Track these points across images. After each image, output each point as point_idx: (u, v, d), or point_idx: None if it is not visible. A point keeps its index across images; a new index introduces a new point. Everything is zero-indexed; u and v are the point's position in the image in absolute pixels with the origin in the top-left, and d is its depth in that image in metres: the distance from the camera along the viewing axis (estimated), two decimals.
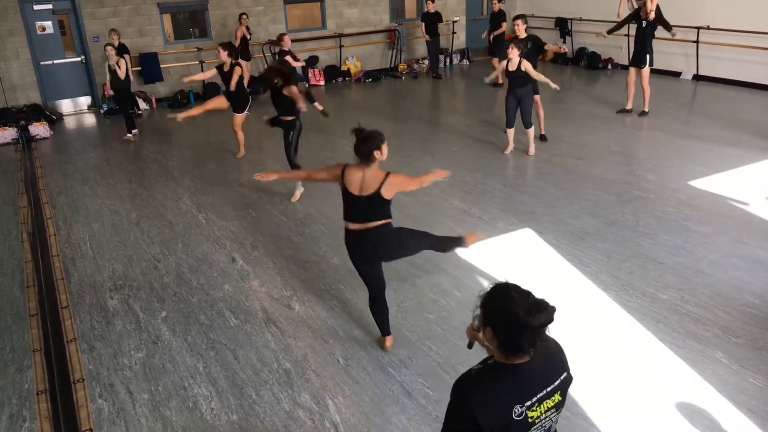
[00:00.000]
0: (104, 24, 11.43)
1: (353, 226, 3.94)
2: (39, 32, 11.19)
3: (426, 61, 14.47)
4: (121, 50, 9.94)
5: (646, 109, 9.53)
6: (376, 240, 3.92)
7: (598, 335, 4.31)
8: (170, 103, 12.08)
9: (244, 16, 12.05)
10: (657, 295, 4.72)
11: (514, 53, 7.43)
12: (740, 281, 4.85)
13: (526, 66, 7.47)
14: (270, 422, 3.62)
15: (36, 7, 11.06)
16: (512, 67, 7.53)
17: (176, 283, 5.25)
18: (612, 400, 3.69)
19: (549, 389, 1.93)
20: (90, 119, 11.55)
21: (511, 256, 5.52)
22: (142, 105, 11.90)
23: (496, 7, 12.41)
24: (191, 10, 12.53)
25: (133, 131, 9.77)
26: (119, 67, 9.27)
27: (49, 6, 11.16)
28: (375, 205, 3.82)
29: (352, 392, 3.84)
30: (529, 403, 1.88)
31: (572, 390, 3.74)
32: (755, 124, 8.67)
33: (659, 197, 6.51)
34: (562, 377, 1.98)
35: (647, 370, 3.92)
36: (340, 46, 13.71)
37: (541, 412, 1.91)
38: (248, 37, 12.16)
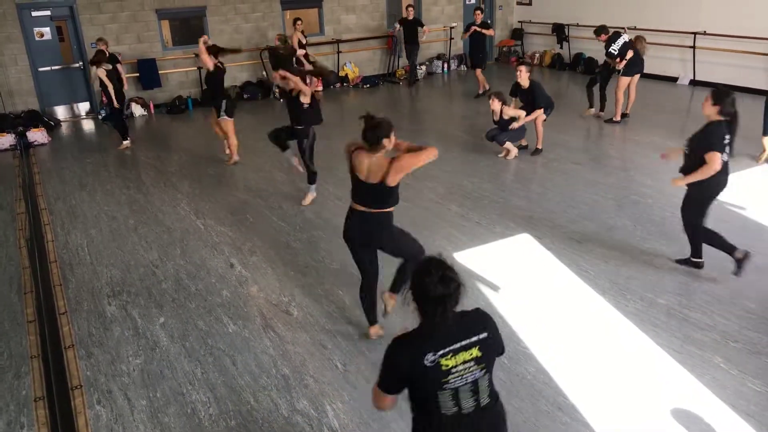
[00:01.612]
0: (102, 30, 11.43)
1: (359, 207, 4.03)
2: (37, 38, 11.19)
3: (423, 67, 14.51)
4: (111, 60, 9.68)
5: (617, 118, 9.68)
6: (375, 225, 4.01)
7: (596, 340, 4.31)
8: (168, 109, 12.09)
9: (299, 22, 11.96)
10: (655, 300, 4.73)
11: (495, 104, 7.96)
12: (738, 286, 4.86)
13: (507, 111, 7.97)
14: (268, 428, 3.61)
15: (34, 14, 11.06)
16: (496, 117, 8.06)
17: (174, 289, 5.24)
18: (610, 404, 3.69)
19: (464, 343, 2.24)
20: (88, 125, 11.55)
21: (509, 260, 5.52)
22: (140, 111, 11.91)
23: (479, 18, 12.05)
24: (189, 16, 12.54)
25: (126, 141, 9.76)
26: (97, 78, 9.29)
27: (48, 12, 11.17)
28: (380, 192, 3.90)
29: (351, 398, 3.83)
30: (441, 352, 2.20)
31: (571, 394, 3.76)
32: (752, 129, 8.69)
33: (657, 202, 6.52)
34: (480, 336, 2.28)
35: (645, 375, 3.92)
36: (338, 52, 13.75)
37: (456, 362, 2.22)
38: (303, 42, 11.99)
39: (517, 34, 15.86)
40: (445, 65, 15.07)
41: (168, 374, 4.13)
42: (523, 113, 7.95)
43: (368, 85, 13.87)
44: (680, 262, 5.24)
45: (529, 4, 15.56)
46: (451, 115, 11.07)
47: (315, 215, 6.69)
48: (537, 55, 15.35)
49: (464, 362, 2.24)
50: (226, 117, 8.04)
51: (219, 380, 4.04)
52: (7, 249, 6.21)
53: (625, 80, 9.35)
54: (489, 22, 12.95)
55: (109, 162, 9.10)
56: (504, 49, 15.85)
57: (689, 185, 4.89)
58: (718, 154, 4.59)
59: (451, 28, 15.02)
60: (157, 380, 4.07)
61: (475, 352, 2.25)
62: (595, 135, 9.13)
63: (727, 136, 4.68)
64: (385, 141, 3.78)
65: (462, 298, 2.23)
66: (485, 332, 2.31)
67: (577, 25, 14.11)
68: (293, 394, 3.88)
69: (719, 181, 4.76)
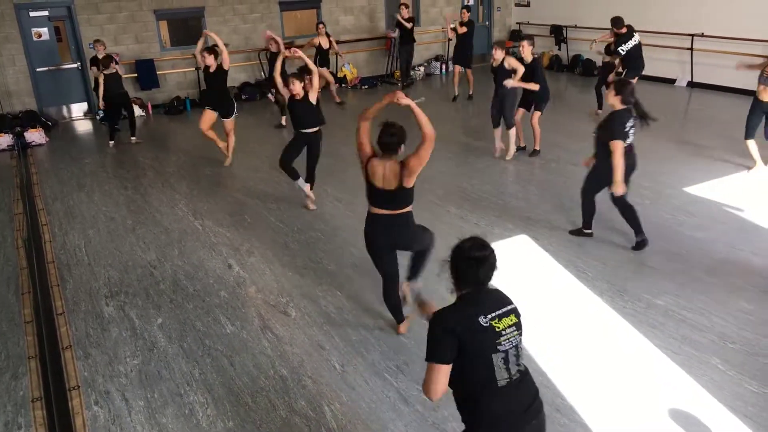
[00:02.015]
0: (100, 30, 11.43)
1: (382, 211, 4.06)
2: (35, 39, 11.17)
3: (421, 68, 14.51)
4: (107, 61, 9.53)
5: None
6: (402, 225, 4.08)
7: (594, 341, 4.32)
8: (167, 110, 12.08)
9: (321, 25, 11.78)
10: (653, 301, 4.73)
11: (498, 53, 7.85)
12: (735, 287, 4.87)
13: (510, 61, 7.73)
14: (266, 429, 3.61)
15: (32, 14, 11.05)
16: (495, 64, 7.90)
17: (172, 290, 5.23)
18: (608, 406, 3.69)
19: (504, 310, 2.43)
20: (86, 126, 11.54)
21: (508, 261, 5.51)
22: (138, 112, 11.89)
23: (465, 16, 11.72)
24: (187, 16, 12.53)
25: (111, 143, 9.79)
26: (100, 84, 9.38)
27: (45, 13, 11.15)
28: (399, 196, 3.99)
29: (349, 399, 3.83)
30: (491, 315, 2.37)
31: (569, 395, 3.76)
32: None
33: (654, 203, 6.54)
34: (510, 306, 2.48)
35: (643, 376, 3.93)
36: (337, 53, 13.73)
37: (504, 326, 2.39)
38: (325, 47, 11.68)
39: (516, 35, 15.86)
40: (443, 66, 15.08)
41: (166, 375, 4.12)
42: (522, 68, 7.70)
43: (366, 86, 13.87)
44: (572, 233, 5.95)
45: (527, 5, 15.59)
46: (448, 117, 11.06)
47: (313, 216, 6.69)
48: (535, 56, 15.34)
49: (508, 326, 2.41)
50: (231, 118, 8.11)
51: (217, 381, 4.04)
52: (4, 249, 6.20)
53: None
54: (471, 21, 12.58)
55: (107, 162, 9.09)
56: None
57: (602, 167, 5.41)
58: (620, 143, 5.16)
59: (451, 28, 15.01)
60: (155, 381, 4.07)
61: (513, 318, 2.44)
62: (592, 136, 9.11)
63: (630, 123, 5.24)
64: (402, 147, 3.93)
65: (495, 268, 2.48)
66: (512, 303, 2.50)
67: (575, 26, 14.13)
68: (291, 395, 3.88)
69: (626, 164, 5.27)
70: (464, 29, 11.56)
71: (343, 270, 5.47)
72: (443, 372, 2.34)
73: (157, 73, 12.05)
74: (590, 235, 5.86)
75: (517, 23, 15.89)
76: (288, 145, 6.74)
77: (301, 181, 6.77)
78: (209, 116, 8.24)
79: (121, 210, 7.06)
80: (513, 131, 8.03)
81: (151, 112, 12.10)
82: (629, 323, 4.48)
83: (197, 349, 4.39)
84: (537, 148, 8.25)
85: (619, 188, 5.28)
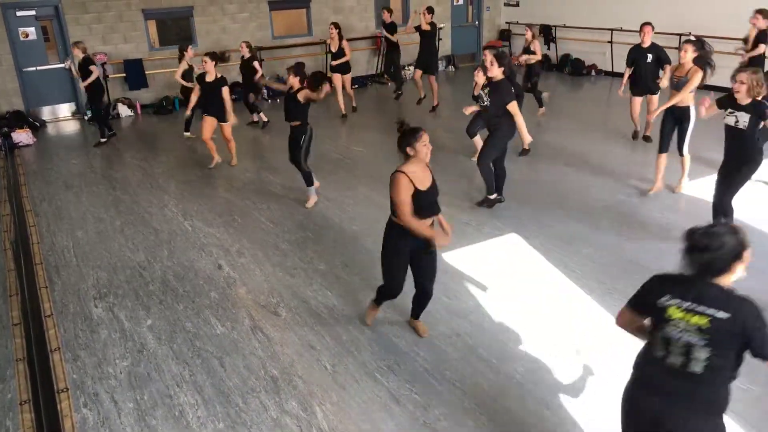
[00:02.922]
0: (88, 30, 11.36)
1: (429, 221, 3.92)
2: (22, 38, 11.09)
3: (411, 68, 14.48)
4: (86, 63, 9.33)
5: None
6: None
7: (583, 339, 4.33)
8: (155, 110, 12.02)
9: (332, 26, 11.23)
10: None
11: (480, 77, 7.26)
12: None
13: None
14: (257, 430, 3.60)
15: (19, 14, 10.95)
16: (476, 92, 7.40)
17: (162, 291, 5.21)
18: (598, 404, 3.71)
19: (698, 308, 2.37)
20: (74, 126, 11.46)
21: (498, 260, 5.54)
22: (127, 112, 11.83)
23: (428, 18, 11.04)
24: (176, 16, 12.48)
25: (102, 139, 9.80)
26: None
27: (33, 12, 11.06)
28: (435, 196, 3.95)
29: (340, 399, 3.83)
30: (675, 301, 2.43)
31: (560, 393, 3.77)
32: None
33: (644, 202, 6.58)
34: (717, 314, 2.33)
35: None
36: (327, 53, 13.72)
37: (681, 318, 2.40)
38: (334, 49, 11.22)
39: (505, 35, 15.94)
40: None
41: (155, 376, 4.10)
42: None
43: (357, 86, 13.84)
44: (479, 203, 6.51)
45: (517, 5, 15.64)
46: (436, 117, 11.09)
47: (304, 216, 6.68)
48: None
49: (687, 322, 2.38)
50: (229, 122, 8.03)
51: (207, 382, 4.02)
52: None
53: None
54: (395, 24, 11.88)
55: (95, 163, 9.03)
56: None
57: (491, 132, 6.25)
58: (515, 104, 5.92)
59: (440, 29, 15.04)
60: (145, 382, 4.04)
61: (703, 322, 2.34)
62: (581, 135, 9.17)
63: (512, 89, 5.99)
64: (407, 149, 3.79)
65: (722, 266, 2.37)
66: (727, 313, 2.33)
67: (564, 26, 14.20)
68: (282, 396, 3.87)
69: (512, 126, 6.12)
70: (428, 28, 10.99)
71: (334, 270, 5.46)
72: (627, 314, 2.76)
73: (146, 73, 11.98)
74: (500, 200, 6.53)
75: (506, 23, 15.94)
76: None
77: (312, 189, 6.94)
78: (210, 123, 8.03)
79: (110, 211, 7.02)
80: (476, 138, 8.06)
81: (140, 112, 12.03)
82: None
83: (187, 351, 4.37)
84: (526, 147, 8.25)
85: (527, 138, 6.31)
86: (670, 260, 5.42)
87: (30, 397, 3.97)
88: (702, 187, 6.86)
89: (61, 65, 10.86)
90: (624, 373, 3.94)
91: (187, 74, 9.71)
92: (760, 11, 8.89)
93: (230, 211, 6.92)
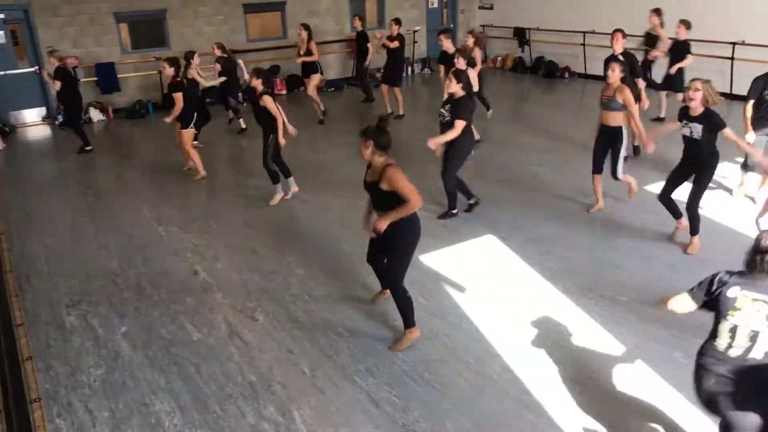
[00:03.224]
0: (59, 34, 11.17)
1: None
2: None
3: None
4: (61, 73, 9.09)
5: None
6: None
7: (560, 338, 4.38)
8: (128, 114, 11.86)
9: (301, 27, 10.84)
10: (616, 298, 4.83)
11: (461, 62, 7.54)
12: (694, 282, 4.97)
13: (477, 53, 8.08)
14: None
15: None
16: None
17: (136, 298, 5.13)
18: (575, 401, 3.75)
19: (766, 299, 2.68)
20: (45, 131, 11.24)
21: (475, 262, 5.57)
22: (99, 116, 11.66)
23: (395, 31, 10.78)
24: (149, 19, 12.32)
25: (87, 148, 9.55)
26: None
27: (1, 16, 10.84)
28: None
29: (318, 403, 3.81)
30: (743, 292, 2.71)
31: (536, 392, 3.81)
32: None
33: (616, 202, 6.67)
34: None
35: (608, 372, 4.00)
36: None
37: (748, 307, 2.70)
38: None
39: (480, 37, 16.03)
40: (409, 68, 15.15)
41: (131, 384, 4.04)
42: (476, 87, 7.76)
43: (333, 89, 13.85)
44: (441, 217, 6.44)
45: (491, 8, 15.77)
46: (411, 118, 11.11)
47: (281, 220, 6.65)
48: (499, 58, 15.57)
49: (756, 311, 2.68)
50: (187, 129, 7.80)
51: (183, 389, 3.97)
52: None
53: None
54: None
55: (67, 168, 8.88)
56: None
57: (449, 146, 6.16)
58: (463, 122, 5.96)
59: (415, 31, 15.12)
60: (120, 391, 3.98)
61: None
62: (558, 137, 9.27)
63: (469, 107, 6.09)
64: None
65: None
66: None
67: (538, 29, 14.35)
68: (260, 401, 3.84)
69: (471, 140, 6.31)
70: (395, 43, 10.66)
71: (312, 273, 5.44)
72: (687, 299, 2.97)
73: (118, 76, 11.82)
74: (477, 202, 6.60)
75: (481, 26, 16.05)
76: None
77: (290, 180, 7.15)
78: (187, 133, 7.91)
79: (82, 217, 6.90)
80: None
81: (112, 116, 11.86)
82: (594, 320, 4.56)
83: (163, 358, 4.31)
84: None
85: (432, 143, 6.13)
86: (642, 259, 5.54)
87: (1, 407, 3.88)
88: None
89: (32, 69, 10.67)
90: (601, 373, 4.00)
91: (195, 81, 9.19)
92: (654, 10, 9.23)
93: (206, 215, 6.85)
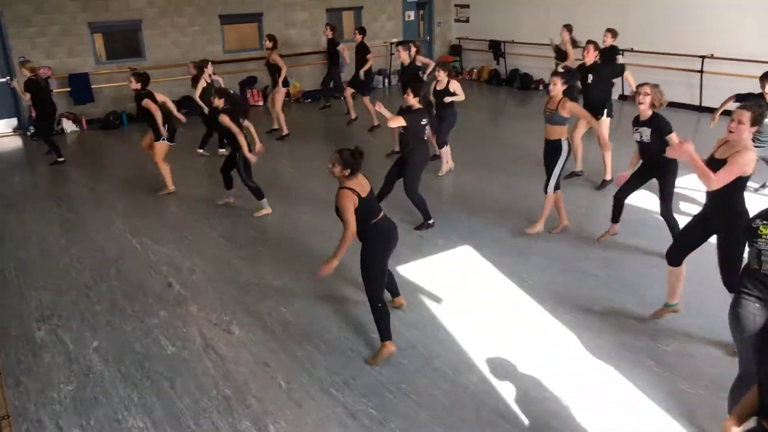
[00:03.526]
0: (31, 44, 11.02)
1: (382, 215, 4.24)
2: None
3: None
4: (31, 85, 8.97)
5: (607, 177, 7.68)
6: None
7: (535, 348, 4.40)
8: (102, 125, 11.72)
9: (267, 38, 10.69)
10: (590, 307, 4.88)
11: (441, 75, 7.77)
12: (665, 290, 5.06)
13: (455, 86, 7.76)
14: None
15: None
16: (440, 87, 7.80)
17: (109, 312, 5.05)
18: (550, 410, 3.76)
19: None
20: (16, 142, 11.04)
21: (452, 272, 5.59)
22: (72, 127, 11.51)
23: (359, 38, 10.82)
24: (124, 29, 12.22)
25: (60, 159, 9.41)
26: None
27: None
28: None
29: (295, 416, 3.78)
30: (765, 221, 3.03)
31: (513, 402, 3.82)
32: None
33: (590, 211, 6.76)
34: None
35: (582, 381, 4.03)
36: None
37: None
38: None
39: (456, 50, 16.21)
40: (386, 80, 15.23)
41: (102, 400, 3.96)
42: (462, 95, 7.81)
43: (310, 100, 13.86)
44: (417, 228, 6.47)
45: (467, 21, 15.94)
46: (387, 130, 11.14)
47: (258, 231, 6.60)
48: (475, 70, 15.73)
49: None
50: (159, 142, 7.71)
51: (157, 404, 3.91)
52: None
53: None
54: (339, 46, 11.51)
55: (39, 180, 8.74)
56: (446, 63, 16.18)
57: (406, 160, 6.24)
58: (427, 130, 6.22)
59: (392, 43, 15.21)
60: (91, 407, 3.90)
61: None
62: (531, 147, 9.37)
63: (425, 119, 6.16)
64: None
65: None
66: None
67: (512, 41, 14.54)
68: (235, 416, 3.79)
69: (427, 151, 6.46)
70: (370, 61, 10.66)
71: (288, 285, 5.41)
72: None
73: (93, 87, 11.68)
74: (432, 224, 6.50)
75: (457, 38, 16.22)
76: None
77: (229, 192, 7.22)
78: (151, 142, 7.84)
79: (54, 229, 6.79)
80: (447, 149, 8.19)
81: (85, 127, 11.71)
82: (568, 329, 4.60)
83: (136, 372, 4.24)
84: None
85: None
86: (616, 267, 5.60)
87: None
88: (640, 197, 7.09)
89: (2, 80, 10.50)
90: (576, 381, 4.03)
91: (207, 92, 9.06)
92: (566, 26, 9.56)
93: (181, 227, 6.78)
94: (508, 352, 4.37)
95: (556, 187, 6.10)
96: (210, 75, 9.38)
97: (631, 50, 12.00)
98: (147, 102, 7.39)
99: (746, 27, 10.36)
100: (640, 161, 5.57)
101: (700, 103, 11.18)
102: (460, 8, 16.12)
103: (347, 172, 4.04)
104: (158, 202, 7.59)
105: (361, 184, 4.12)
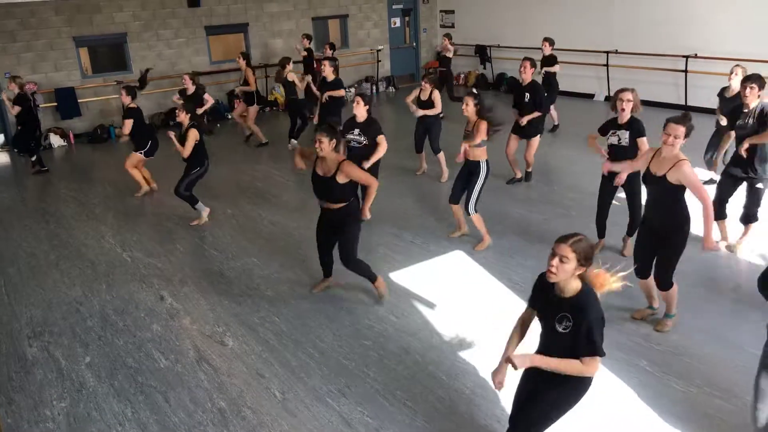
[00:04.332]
0: (17, 59, 10.97)
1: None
2: None
3: (352, 90, 14.60)
4: (21, 100, 9.07)
5: None
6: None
7: (529, 350, 4.41)
8: (90, 139, 11.68)
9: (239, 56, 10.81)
10: None
11: (427, 85, 7.98)
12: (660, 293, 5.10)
13: (436, 95, 7.92)
14: None
15: None
16: (424, 97, 7.99)
17: (100, 326, 5.02)
18: None
19: None
20: (2, 158, 10.97)
21: (444, 277, 5.60)
22: (59, 142, 11.45)
23: (306, 44, 11.41)
24: (109, 43, 12.20)
25: (44, 168, 9.61)
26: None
27: None
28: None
29: (291, 426, 3.77)
30: None
31: (508, 407, 3.81)
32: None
33: (580, 214, 6.79)
34: None
35: None
36: (266, 76, 13.68)
37: None
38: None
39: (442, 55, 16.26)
40: (374, 87, 15.27)
41: (96, 416, 3.94)
42: (439, 107, 8.02)
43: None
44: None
45: (452, 26, 16.02)
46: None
47: (249, 242, 6.59)
48: (462, 75, 15.80)
49: None
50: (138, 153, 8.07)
51: (151, 419, 3.88)
52: None
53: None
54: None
55: (27, 196, 8.68)
56: (430, 70, 16.21)
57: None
58: (384, 136, 6.33)
59: (378, 50, 15.27)
60: (85, 423, 3.87)
61: None
62: (520, 150, 9.41)
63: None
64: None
65: None
66: None
67: (498, 46, 14.64)
68: (230, 428, 3.77)
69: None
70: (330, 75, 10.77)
71: (281, 295, 5.40)
72: None
73: (79, 101, 11.64)
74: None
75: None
76: None
77: (200, 205, 7.14)
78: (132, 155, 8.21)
79: (43, 245, 6.74)
80: (441, 155, 8.22)
81: (73, 141, 11.65)
82: None
83: (129, 387, 4.21)
84: (529, 170, 8.15)
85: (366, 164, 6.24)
86: (608, 269, 5.59)
87: None
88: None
89: None
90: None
91: (291, 88, 9.99)
92: (546, 40, 9.83)
93: (172, 239, 6.76)
94: (500, 353, 4.37)
95: (455, 201, 6.13)
96: (290, 71, 9.89)
97: (616, 52, 12.13)
98: (127, 122, 7.82)
99: (728, 27, 10.49)
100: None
101: (686, 102, 11.29)
102: (446, 14, 16.22)
103: (334, 143, 4.62)
104: (149, 215, 7.56)
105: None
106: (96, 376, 4.35)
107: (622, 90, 5.32)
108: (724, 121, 6.40)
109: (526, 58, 7.72)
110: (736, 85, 6.51)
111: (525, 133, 7.74)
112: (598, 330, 2.81)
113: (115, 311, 5.25)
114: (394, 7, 15.77)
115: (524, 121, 7.55)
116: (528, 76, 7.56)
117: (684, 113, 4.29)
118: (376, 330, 4.77)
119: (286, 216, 7.23)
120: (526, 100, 7.55)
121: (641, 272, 4.52)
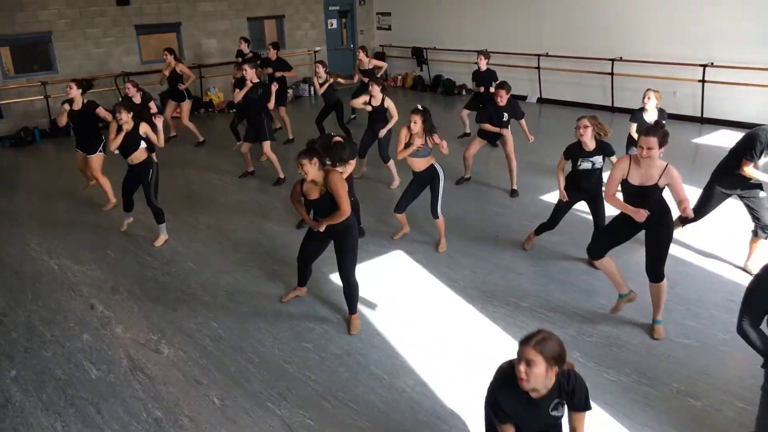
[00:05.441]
0: None
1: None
2: None
3: (290, 91, 14.47)
4: None
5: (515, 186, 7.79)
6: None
7: (469, 347, 4.50)
8: (13, 142, 11.10)
9: (166, 52, 10.35)
10: (519, 304, 5.03)
11: (376, 90, 7.66)
12: (590, 285, 5.30)
13: (389, 103, 7.74)
14: None
15: None
16: (375, 103, 7.73)
17: (26, 338, 4.78)
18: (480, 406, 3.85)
19: None
20: None
21: (385, 277, 5.63)
22: None
23: (273, 55, 11.01)
24: (33, 42, 11.65)
25: None
26: None
27: None
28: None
29: None
30: None
31: (449, 402, 3.87)
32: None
33: (516, 212, 6.97)
34: None
35: None
36: (201, 77, 13.39)
37: None
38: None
39: (380, 57, 16.31)
40: (312, 88, 15.19)
41: None
42: (396, 117, 7.86)
43: (234, 110, 13.59)
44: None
45: (389, 29, 16.15)
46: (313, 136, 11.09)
47: (184, 246, 6.42)
48: (399, 77, 15.92)
49: None
50: (95, 155, 7.41)
51: None
52: None
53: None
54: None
55: None
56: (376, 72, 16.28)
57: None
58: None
59: (315, 51, 15.21)
60: None
61: None
62: (454, 153, 9.57)
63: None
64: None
65: None
66: None
67: (435, 48, 14.85)
68: None
69: None
70: (293, 73, 11.09)
71: (219, 300, 5.30)
72: None
73: (1, 103, 11.06)
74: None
75: (380, 45, 16.38)
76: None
77: (128, 215, 6.82)
78: (78, 156, 7.55)
79: None
80: (391, 163, 8.09)
81: None
82: (499, 327, 4.72)
83: (58, 400, 4.03)
84: (514, 187, 7.92)
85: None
86: (541, 265, 5.79)
87: None
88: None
89: None
90: None
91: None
92: (481, 52, 9.47)
93: (103, 246, 6.51)
94: (443, 353, 4.44)
95: (400, 210, 6.19)
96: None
97: (547, 55, 12.51)
98: (100, 110, 7.25)
99: (651, 31, 10.99)
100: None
101: (612, 103, 11.76)
102: (382, 16, 16.32)
103: (316, 161, 4.40)
104: (78, 221, 7.25)
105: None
106: (22, 390, 4.14)
107: (580, 117, 5.35)
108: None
109: (500, 86, 7.56)
110: (650, 107, 6.79)
111: (495, 141, 8.25)
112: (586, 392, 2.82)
113: (42, 322, 5.01)
114: (330, 8, 15.74)
115: (532, 138, 7.91)
116: (503, 101, 7.49)
117: (656, 121, 4.36)
118: (317, 332, 4.74)
119: (223, 219, 7.09)
120: (505, 119, 7.56)
121: (597, 252, 4.62)
